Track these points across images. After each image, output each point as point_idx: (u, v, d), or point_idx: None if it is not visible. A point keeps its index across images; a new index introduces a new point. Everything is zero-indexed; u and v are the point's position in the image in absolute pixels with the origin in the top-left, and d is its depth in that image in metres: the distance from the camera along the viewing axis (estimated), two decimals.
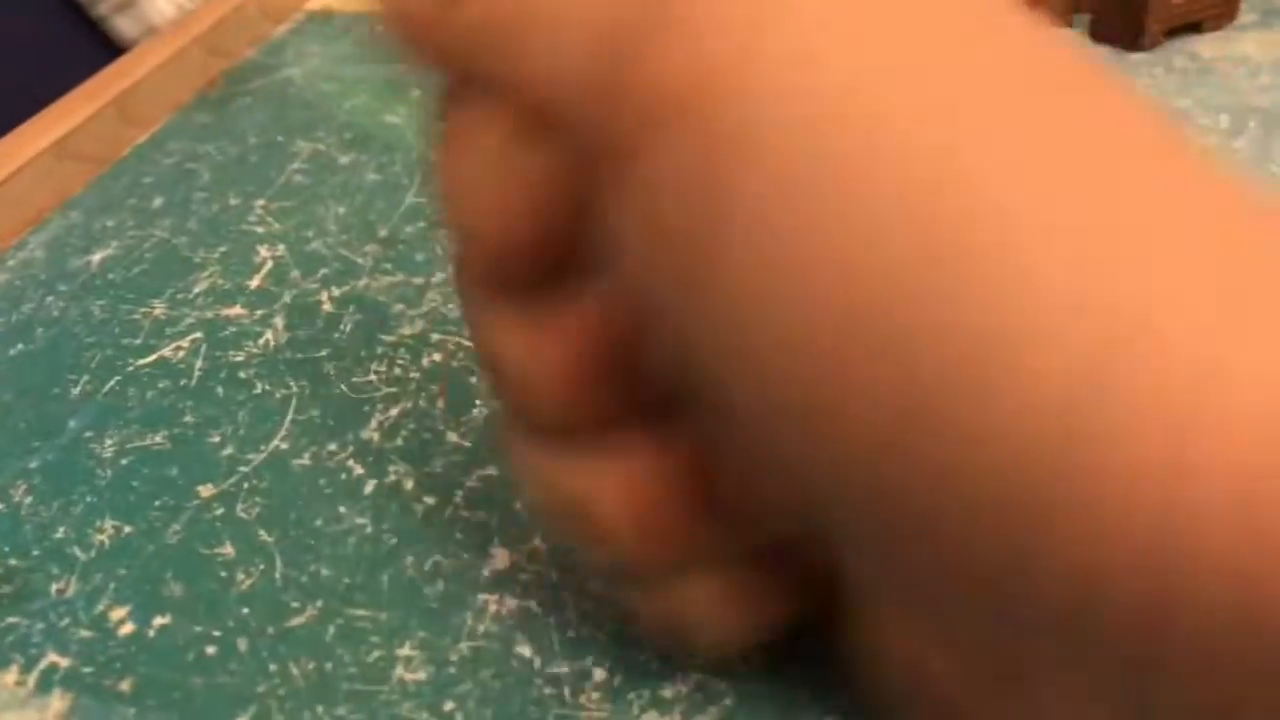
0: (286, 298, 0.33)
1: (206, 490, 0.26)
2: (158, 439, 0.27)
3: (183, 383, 0.29)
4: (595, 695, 0.21)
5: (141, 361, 0.30)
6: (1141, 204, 0.12)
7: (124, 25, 1.08)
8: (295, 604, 0.23)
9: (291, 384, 0.29)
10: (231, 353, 0.30)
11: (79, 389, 0.29)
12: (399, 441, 0.27)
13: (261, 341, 0.31)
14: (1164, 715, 0.12)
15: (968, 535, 0.13)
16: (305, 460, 0.26)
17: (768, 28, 0.13)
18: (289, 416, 0.28)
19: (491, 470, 0.26)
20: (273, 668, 0.22)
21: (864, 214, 0.12)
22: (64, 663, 0.22)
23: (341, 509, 0.25)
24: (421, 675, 0.21)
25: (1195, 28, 0.48)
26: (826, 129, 0.12)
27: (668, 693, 0.21)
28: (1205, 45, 0.47)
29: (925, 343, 0.12)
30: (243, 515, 0.25)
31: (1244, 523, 0.11)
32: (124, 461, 0.27)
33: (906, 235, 0.12)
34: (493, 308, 0.17)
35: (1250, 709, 0.12)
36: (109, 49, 1.05)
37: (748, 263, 0.13)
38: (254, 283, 0.33)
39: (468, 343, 0.30)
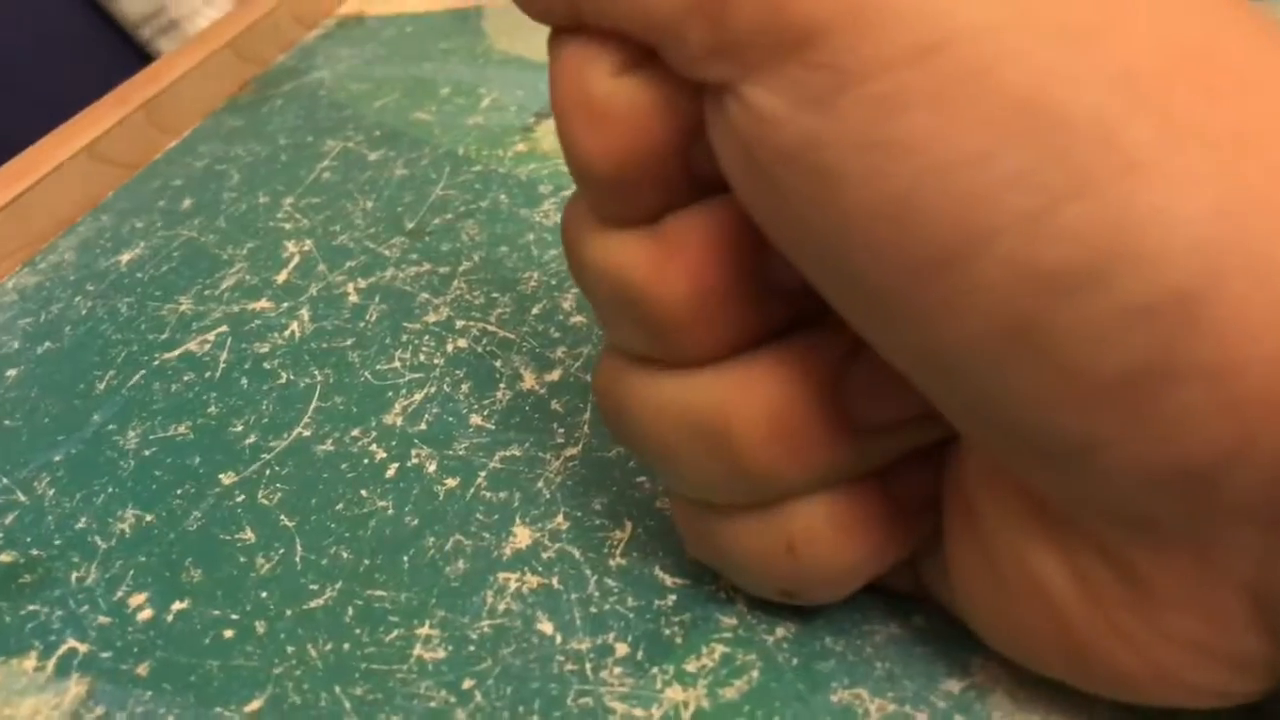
0: (313, 290, 0.32)
1: (228, 478, 0.25)
2: (180, 430, 0.27)
3: (207, 375, 0.29)
4: (617, 670, 0.20)
5: (167, 355, 0.30)
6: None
7: (167, 46, 1.10)
8: (314, 586, 0.22)
9: (315, 373, 0.29)
10: (257, 344, 0.30)
11: (104, 384, 0.29)
12: (422, 425, 0.26)
13: (287, 333, 0.30)
14: None
15: (1102, 418, 0.14)
16: (328, 446, 0.26)
17: None
18: (312, 404, 0.28)
19: (515, 451, 0.25)
20: (290, 649, 0.21)
21: (974, 139, 0.13)
22: (82, 648, 0.22)
23: (363, 492, 0.25)
24: (440, 654, 0.21)
25: None
26: (920, 67, 0.13)
27: (691, 667, 0.20)
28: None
29: (1064, 230, 0.13)
30: (264, 501, 0.25)
31: None
32: (146, 452, 0.26)
33: (1009, 157, 0.13)
34: (613, 236, 0.18)
35: None
36: (140, 55, 1.06)
37: (866, 183, 0.14)
38: (281, 277, 0.33)
39: (493, 328, 0.30)
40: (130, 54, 0.99)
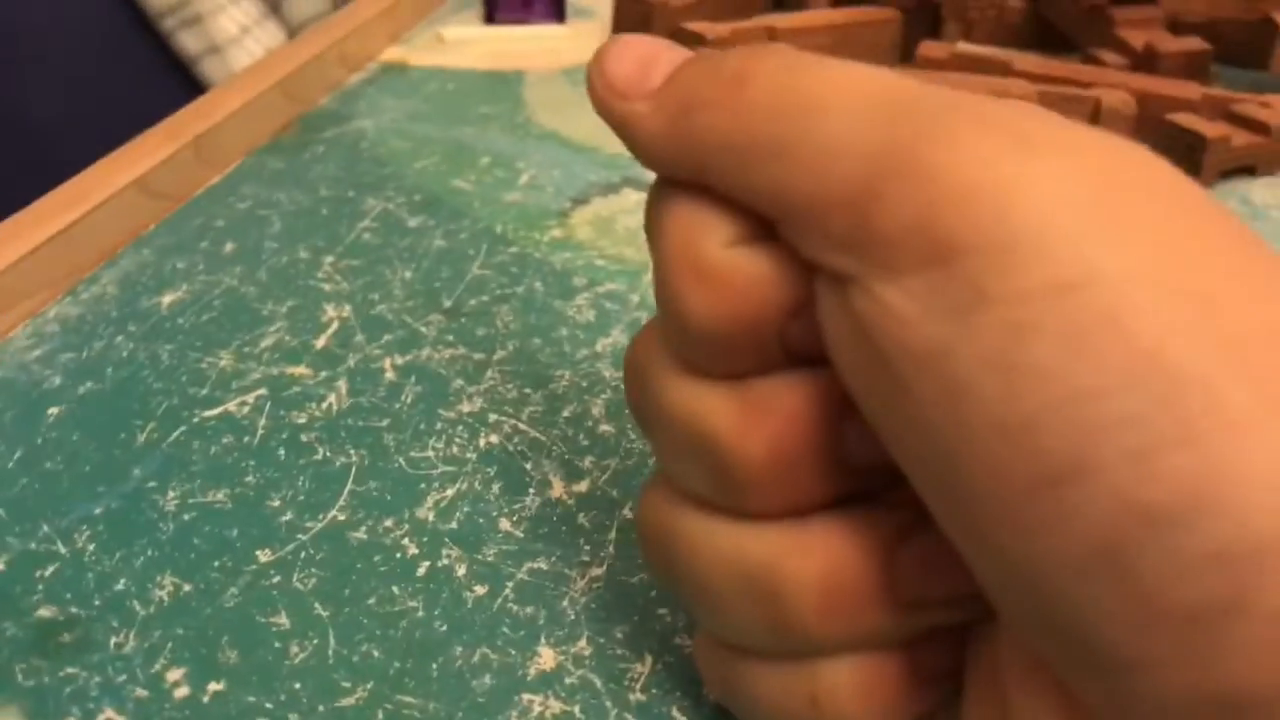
0: (351, 361, 0.33)
1: (265, 555, 0.26)
2: (219, 497, 0.28)
3: (246, 440, 0.30)
4: None
5: (207, 414, 0.31)
6: None
7: (188, 40, 1.10)
8: (346, 684, 0.23)
9: (352, 452, 0.30)
10: (295, 413, 0.31)
11: (144, 436, 0.30)
12: (453, 524, 0.28)
13: (325, 405, 0.31)
14: None
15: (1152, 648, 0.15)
16: (362, 534, 0.27)
17: (1016, 198, 0.15)
18: (348, 486, 0.29)
19: (542, 564, 0.26)
20: None
21: (1095, 378, 0.15)
22: None
23: (395, 589, 0.26)
24: None
25: (1249, 170, 0.49)
26: (1058, 302, 0.15)
27: None
28: (1257, 190, 0.47)
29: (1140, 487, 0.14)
30: (299, 585, 0.26)
31: None
32: (186, 517, 0.27)
33: (1124, 400, 0.14)
34: (698, 385, 0.19)
35: None
36: (177, 68, 1.06)
37: (991, 400, 0.15)
38: (320, 342, 0.34)
39: (524, 426, 0.31)
40: (154, 45, 1.00)
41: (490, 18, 0.63)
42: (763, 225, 0.18)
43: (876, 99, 0.17)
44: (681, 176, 0.19)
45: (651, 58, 0.20)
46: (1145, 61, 0.54)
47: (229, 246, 0.39)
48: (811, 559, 0.19)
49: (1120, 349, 0.15)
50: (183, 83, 1.04)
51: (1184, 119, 0.48)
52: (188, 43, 1.06)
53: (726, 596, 0.20)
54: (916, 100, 0.17)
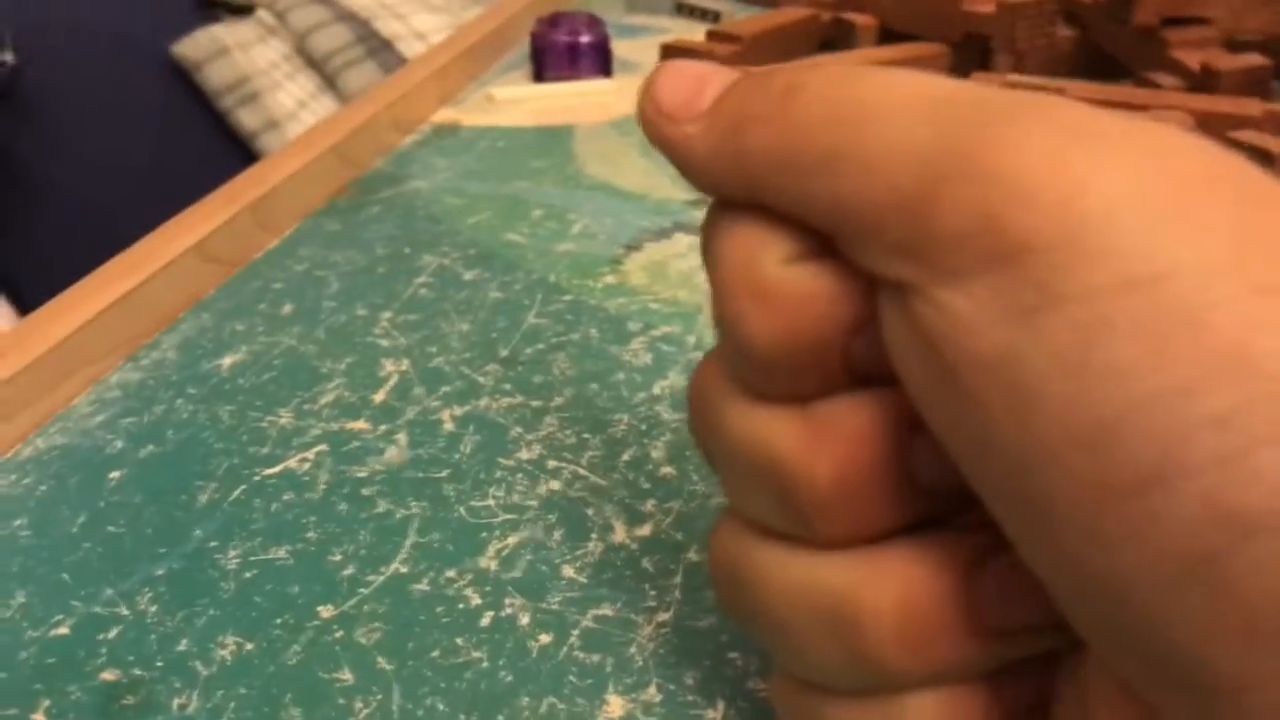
0: (409, 414, 0.33)
1: (327, 611, 0.26)
2: (280, 553, 0.28)
3: (307, 496, 0.30)
4: None
5: (268, 471, 0.31)
6: None
7: (246, 117, 1.12)
8: None
9: (412, 504, 0.29)
10: (355, 468, 0.31)
11: (206, 496, 0.30)
12: (516, 573, 0.27)
13: (385, 458, 0.31)
14: None
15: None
16: (424, 586, 0.27)
17: (1081, 192, 0.15)
18: (409, 539, 0.28)
19: (607, 610, 0.26)
20: None
21: (1177, 376, 0.14)
22: None
23: (458, 641, 0.25)
24: None
25: None
26: (1132, 298, 0.14)
27: None
28: None
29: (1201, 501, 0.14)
30: (361, 640, 0.25)
31: None
32: (247, 575, 0.27)
33: (1209, 399, 0.14)
34: (762, 410, 0.19)
35: None
36: (232, 140, 1.09)
37: (1065, 405, 0.14)
38: (378, 397, 0.34)
39: (584, 471, 0.31)
40: (213, 123, 1.02)
41: (539, 76, 0.63)
42: (821, 241, 0.18)
43: (929, 101, 0.17)
44: (736, 196, 0.19)
45: (700, 80, 0.20)
46: (1203, 82, 0.53)
47: (287, 308, 0.39)
48: (887, 587, 0.18)
49: (1203, 345, 0.14)
50: (243, 158, 1.06)
51: (1248, 136, 0.47)
52: (246, 119, 1.08)
53: (801, 630, 0.19)
54: (972, 101, 0.16)
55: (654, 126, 0.20)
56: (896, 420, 0.18)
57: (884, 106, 0.17)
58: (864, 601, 0.18)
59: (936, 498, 0.18)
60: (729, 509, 0.21)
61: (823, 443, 0.18)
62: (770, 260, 0.18)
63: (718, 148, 0.19)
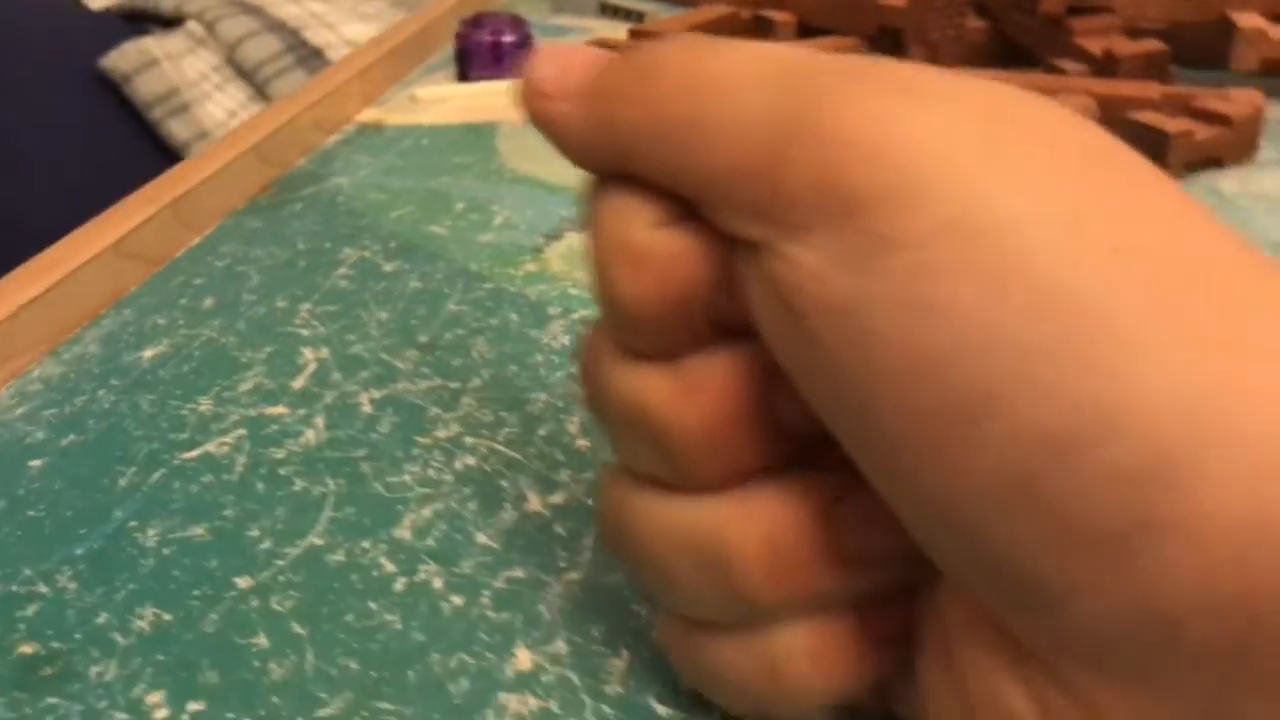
0: (328, 398, 0.34)
1: (244, 582, 0.27)
2: (199, 530, 0.28)
3: (225, 477, 0.30)
4: None
5: (186, 455, 0.31)
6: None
7: (177, 128, 1.12)
8: (324, 695, 0.24)
9: (329, 482, 0.30)
10: (273, 450, 0.31)
11: (126, 480, 0.30)
12: (430, 542, 0.28)
13: (302, 440, 0.32)
14: None
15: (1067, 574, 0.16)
16: (339, 556, 0.27)
17: (907, 147, 0.16)
18: (325, 513, 0.29)
19: (518, 573, 0.27)
20: None
21: (999, 311, 0.15)
22: None
23: (372, 605, 0.26)
24: None
25: (1216, 163, 0.50)
26: (956, 239, 0.16)
27: None
28: (1226, 181, 0.48)
29: (1036, 414, 0.15)
30: (277, 608, 0.26)
31: None
32: (166, 551, 0.28)
33: (1027, 331, 0.15)
34: (637, 368, 0.20)
35: None
36: (163, 151, 1.08)
37: (900, 341, 0.16)
38: (297, 383, 0.35)
39: (500, 447, 0.31)
40: (143, 135, 1.01)
41: (463, 76, 0.64)
42: (685, 207, 0.19)
43: (774, 71, 0.18)
44: (609, 168, 0.20)
45: (574, 60, 0.21)
46: (1105, 66, 0.55)
47: (208, 301, 0.40)
48: (754, 523, 0.20)
49: (1020, 282, 0.15)
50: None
51: (1146, 117, 0.49)
52: (177, 130, 1.07)
53: (678, 569, 0.20)
54: (809, 69, 0.18)
55: (531, 104, 0.21)
56: (758, 371, 0.19)
57: (731, 78, 0.18)
58: (732, 538, 0.20)
59: (799, 442, 0.20)
60: (615, 462, 0.22)
61: (691, 395, 0.20)
62: (639, 225, 0.19)
63: (589, 124, 0.20)
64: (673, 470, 0.20)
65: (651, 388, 0.20)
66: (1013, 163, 0.16)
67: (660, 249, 0.19)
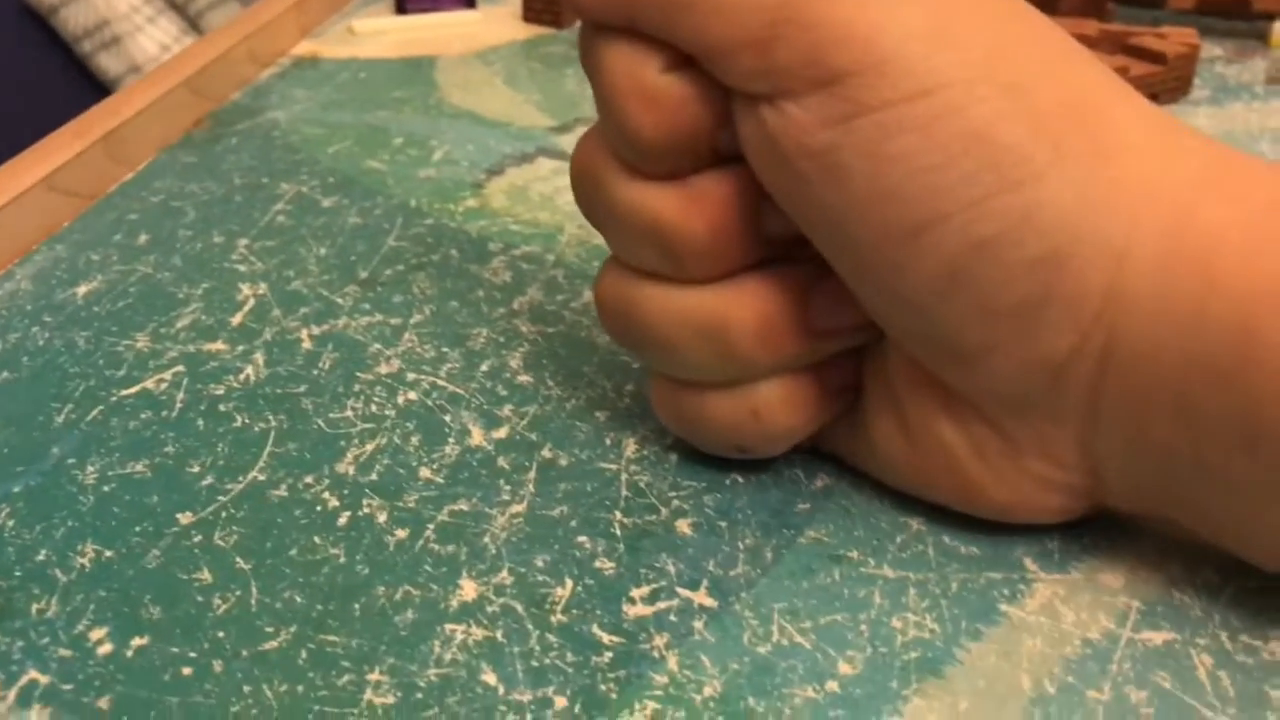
0: (267, 335, 0.34)
1: (186, 518, 0.27)
2: (139, 467, 0.28)
3: (164, 414, 0.30)
4: None
5: (124, 392, 0.31)
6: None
7: (107, 62, 1.09)
8: (269, 629, 0.24)
9: (270, 418, 0.30)
10: (212, 386, 0.31)
11: (63, 417, 0.30)
12: (373, 476, 0.28)
13: (242, 376, 0.32)
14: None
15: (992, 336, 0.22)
16: (282, 491, 0.27)
17: (879, 31, 0.21)
18: (267, 449, 0.29)
19: (462, 506, 0.27)
20: (246, 689, 0.22)
21: (937, 155, 0.21)
22: (44, 680, 0.23)
23: (316, 539, 0.26)
24: (390, 699, 0.22)
25: (1152, 100, 0.50)
26: (914, 105, 0.21)
27: None
28: None
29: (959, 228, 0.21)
30: (220, 543, 0.26)
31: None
32: (105, 488, 0.27)
33: (957, 164, 0.21)
34: (647, 186, 0.24)
35: None
36: (93, 85, 1.06)
37: (867, 178, 0.21)
38: (236, 319, 0.34)
39: (442, 382, 0.31)
40: (73, 68, 0.99)
41: (401, 8, 0.63)
42: (687, 57, 0.23)
43: None
44: (618, 25, 0.24)
45: None
46: (1045, 3, 0.55)
47: (143, 237, 0.39)
48: (748, 304, 0.25)
49: (959, 131, 0.21)
50: None
51: None
52: (107, 64, 1.05)
53: (683, 342, 0.25)
54: None
55: None
56: (751, 188, 0.24)
57: None
58: (731, 315, 0.25)
59: (780, 243, 0.25)
60: (611, 259, 0.27)
61: (697, 206, 0.24)
62: (651, 69, 0.23)
63: None
64: (677, 267, 0.25)
65: (660, 201, 0.24)
66: (950, 38, 0.21)
67: (673, 91, 0.23)
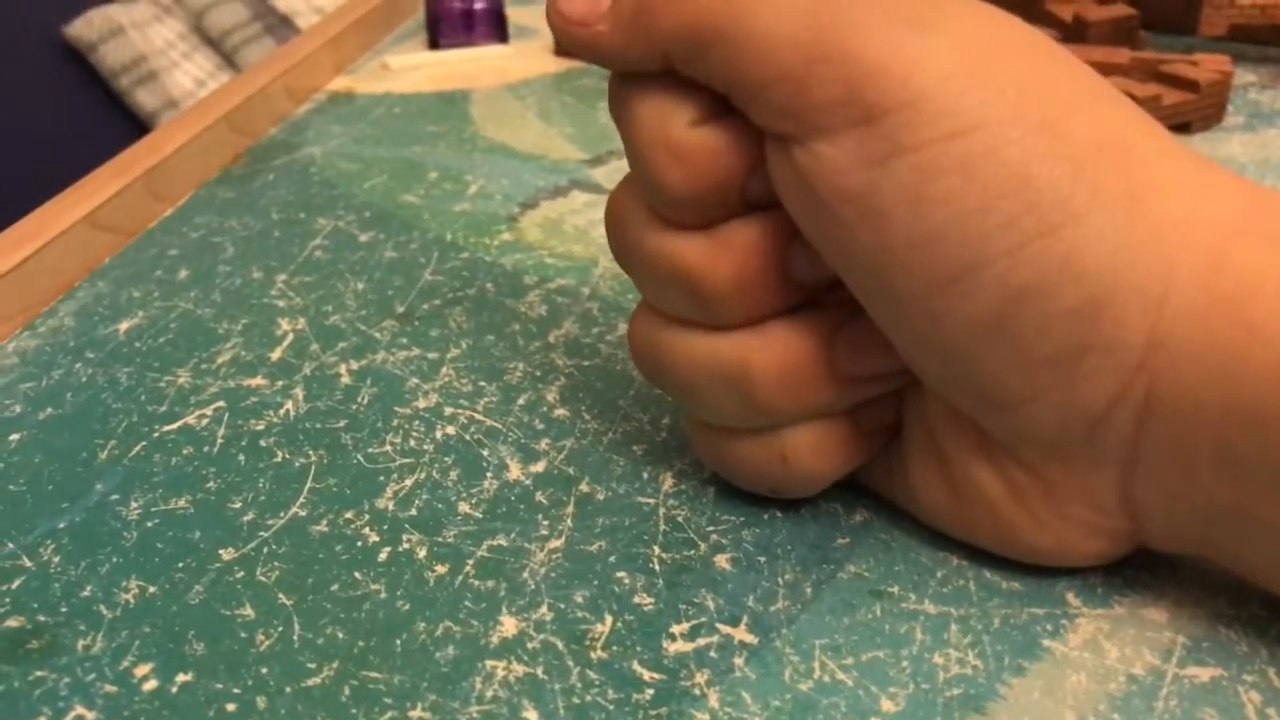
0: (307, 369, 0.34)
1: (228, 553, 0.27)
2: (181, 503, 0.28)
3: (206, 449, 0.30)
4: None
5: (166, 428, 0.31)
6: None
7: (144, 98, 1.11)
8: (311, 665, 0.24)
9: (310, 453, 0.30)
10: (253, 421, 0.32)
11: (106, 453, 0.30)
12: (413, 511, 0.28)
13: (282, 412, 0.32)
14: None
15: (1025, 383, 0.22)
16: (323, 527, 0.28)
17: (916, 70, 0.21)
18: (307, 484, 0.29)
19: (501, 541, 0.27)
20: None
21: (977, 198, 0.20)
22: (90, 716, 0.23)
23: (357, 575, 0.26)
24: None
25: (1184, 128, 0.50)
26: (952, 145, 0.20)
27: None
28: (1194, 145, 0.48)
29: (1000, 273, 0.21)
30: (262, 579, 0.26)
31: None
32: (149, 524, 0.28)
33: (997, 209, 0.20)
34: (676, 235, 0.24)
35: None
36: (130, 121, 1.07)
37: (906, 223, 0.21)
38: (275, 355, 0.35)
39: (480, 416, 0.32)
40: (110, 104, 1.00)
41: (434, 44, 0.63)
42: (719, 100, 0.23)
43: None
44: (649, 69, 0.24)
45: None
46: (1075, 32, 0.55)
47: (183, 273, 0.40)
48: (771, 351, 0.24)
49: (998, 174, 0.20)
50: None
51: (1115, 82, 0.49)
52: (144, 99, 1.06)
53: (707, 388, 0.25)
54: None
55: (567, 34, 0.25)
56: (779, 233, 0.24)
57: None
58: (754, 363, 0.24)
59: (810, 288, 0.25)
60: (643, 304, 0.27)
61: (724, 254, 0.24)
62: (679, 123, 0.23)
63: (626, 38, 0.24)
64: (703, 313, 0.25)
65: (688, 249, 0.24)
66: (995, 79, 0.21)
67: (701, 144, 0.23)
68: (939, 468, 0.25)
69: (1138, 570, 0.25)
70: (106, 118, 1.05)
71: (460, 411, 0.32)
